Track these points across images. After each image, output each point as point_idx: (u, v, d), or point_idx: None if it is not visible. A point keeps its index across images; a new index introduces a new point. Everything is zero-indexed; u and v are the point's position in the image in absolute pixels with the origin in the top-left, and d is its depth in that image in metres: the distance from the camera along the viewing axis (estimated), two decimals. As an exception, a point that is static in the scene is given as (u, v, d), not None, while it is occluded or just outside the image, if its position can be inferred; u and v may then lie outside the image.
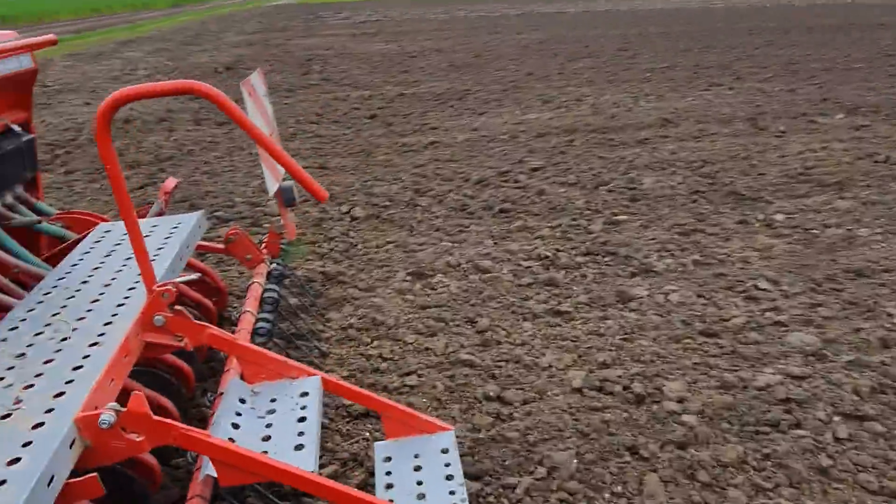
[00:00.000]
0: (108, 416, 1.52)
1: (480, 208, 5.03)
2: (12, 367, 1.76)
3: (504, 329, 3.35)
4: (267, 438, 1.84)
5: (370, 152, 6.71)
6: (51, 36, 2.89)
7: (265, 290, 2.97)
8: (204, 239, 3.15)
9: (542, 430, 2.58)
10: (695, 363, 2.98)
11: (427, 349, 3.20)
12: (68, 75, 12.76)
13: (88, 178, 6.44)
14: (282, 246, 3.28)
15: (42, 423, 1.51)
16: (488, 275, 3.92)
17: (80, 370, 1.72)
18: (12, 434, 1.48)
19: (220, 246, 3.16)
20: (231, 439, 1.82)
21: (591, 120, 7.66)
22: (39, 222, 2.82)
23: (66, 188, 6.19)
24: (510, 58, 12.39)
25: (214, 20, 24.52)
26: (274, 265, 3.20)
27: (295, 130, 7.74)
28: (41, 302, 2.15)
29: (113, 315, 2.01)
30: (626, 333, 3.26)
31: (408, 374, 3.02)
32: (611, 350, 3.11)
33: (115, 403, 1.55)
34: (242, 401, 2.01)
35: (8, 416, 1.55)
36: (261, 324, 2.70)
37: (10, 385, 1.68)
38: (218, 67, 12.71)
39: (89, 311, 2.06)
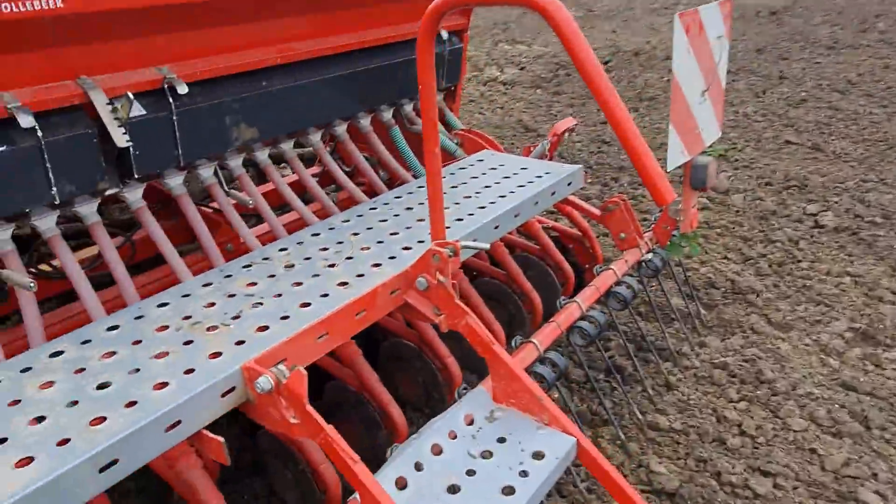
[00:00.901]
0: (266, 380, 1.26)
1: None
2: (273, 276, 1.67)
3: (969, 486, 2.00)
4: (453, 490, 1.36)
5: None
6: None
7: (619, 283, 2.36)
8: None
9: None
10: None
11: (813, 452, 2.14)
12: (613, 3, 13.19)
13: (569, 101, 6.52)
14: (673, 235, 2.56)
15: (220, 354, 1.35)
16: None
17: (306, 308, 1.51)
18: (192, 355, 1.35)
19: (597, 212, 2.62)
20: (418, 464, 1.40)
21: None
22: (435, 134, 2.75)
23: (545, 106, 6.39)
24: None
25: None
26: (650, 255, 2.52)
27: (807, 96, 6.30)
28: (361, 215, 2.04)
29: (390, 258, 1.75)
30: None
31: (764, 473, 2.07)
32: None
33: (283, 369, 1.28)
34: (471, 421, 1.55)
35: (214, 328, 1.44)
36: (584, 323, 2.14)
37: (250, 296, 1.58)
38: (760, 10, 11.33)
39: (379, 242, 1.85)
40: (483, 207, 2.06)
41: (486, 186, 2.24)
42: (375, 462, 1.52)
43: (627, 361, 2.53)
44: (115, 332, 1.44)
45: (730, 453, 2.15)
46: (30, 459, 1.08)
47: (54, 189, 1.61)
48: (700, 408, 2.35)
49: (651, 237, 2.58)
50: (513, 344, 1.96)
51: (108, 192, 1.81)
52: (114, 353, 1.36)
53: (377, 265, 1.71)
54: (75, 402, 1.22)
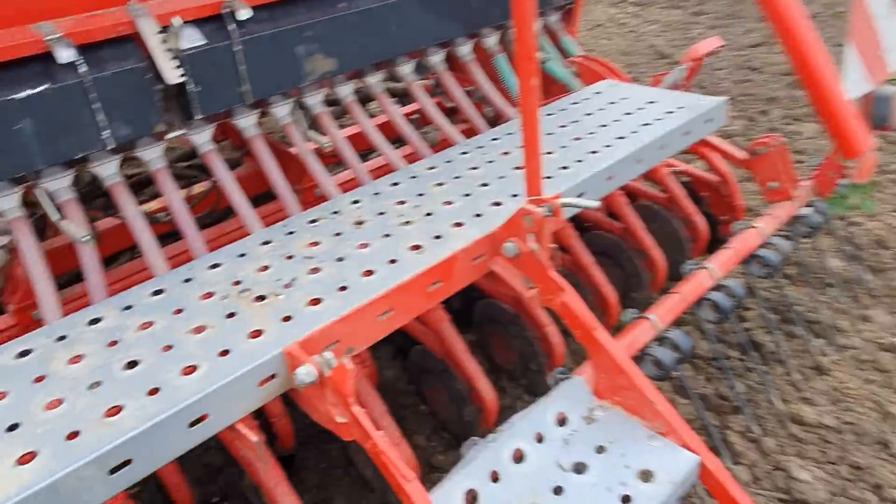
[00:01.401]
0: (307, 371, 1.04)
1: None
2: (338, 235, 1.44)
3: None
4: (535, 512, 1.10)
5: None
6: None
7: (767, 244, 1.93)
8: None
9: None
10: None
11: None
12: None
13: (711, 23, 5.73)
14: (839, 185, 2.05)
15: (260, 333, 1.14)
16: None
17: (367, 278, 1.27)
18: (232, 331, 1.16)
19: (742, 155, 2.15)
20: (494, 474, 1.15)
21: None
22: (545, 62, 2.37)
23: (683, 29, 5.67)
24: None
25: None
26: (808, 210, 2.05)
27: None
28: (449, 161, 1.75)
29: (475, 216, 1.46)
30: None
31: (943, 491, 1.64)
32: None
33: (329, 356, 1.05)
34: (563, 421, 1.27)
35: (262, 298, 1.24)
36: (716, 295, 1.75)
37: (309, 259, 1.36)
38: None
39: (466, 195, 1.55)
40: (595, 152, 1.70)
41: (602, 125, 1.86)
42: (463, 439, 1.30)
43: (768, 336, 2.11)
44: (158, 297, 1.29)
45: (894, 461, 1.73)
46: (32, 455, 0.94)
47: (105, 132, 1.46)
48: (859, 400, 1.91)
49: (810, 187, 2.10)
50: (625, 319, 1.64)
51: (170, 135, 1.64)
52: (151, 323, 1.20)
53: (459, 224, 1.43)
54: (97, 384, 1.07)
